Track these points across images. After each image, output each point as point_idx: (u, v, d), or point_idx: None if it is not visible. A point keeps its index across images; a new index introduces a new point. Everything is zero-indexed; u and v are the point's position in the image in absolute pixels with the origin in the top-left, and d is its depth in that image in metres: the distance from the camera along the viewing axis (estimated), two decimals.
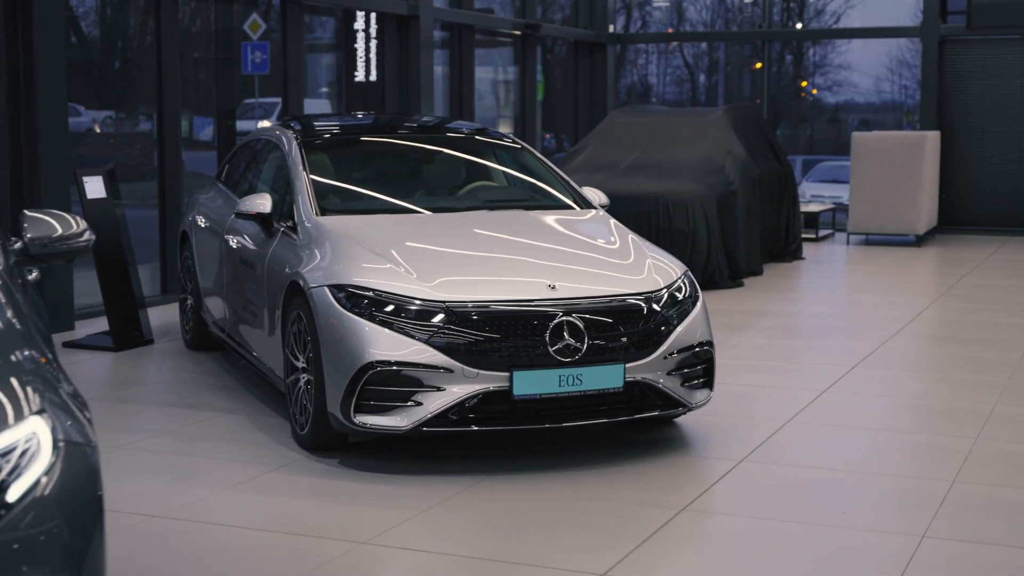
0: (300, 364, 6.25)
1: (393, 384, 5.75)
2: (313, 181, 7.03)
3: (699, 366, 6.28)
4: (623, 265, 6.43)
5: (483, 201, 7.28)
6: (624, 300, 6.08)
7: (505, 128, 17.94)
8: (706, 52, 25.06)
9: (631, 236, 6.90)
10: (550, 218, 7.12)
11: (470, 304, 5.84)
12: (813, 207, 16.86)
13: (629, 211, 11.69)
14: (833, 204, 17.77)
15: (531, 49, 17.34)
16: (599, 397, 5.93)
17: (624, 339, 5.95)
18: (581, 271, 6.30)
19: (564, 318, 5.85)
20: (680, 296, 6.31)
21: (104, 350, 8.80)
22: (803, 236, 15.90)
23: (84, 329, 9.49)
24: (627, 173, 12.47)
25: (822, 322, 10.26)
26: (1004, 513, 5.37)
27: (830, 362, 8.43)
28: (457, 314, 5.79)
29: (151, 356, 8.69)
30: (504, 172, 8.04)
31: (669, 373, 6.10)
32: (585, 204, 7.40)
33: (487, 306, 5.83)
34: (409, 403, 5.75)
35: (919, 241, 15.80)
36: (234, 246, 7.62)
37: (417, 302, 5.84)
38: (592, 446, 6.31)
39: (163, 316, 10.03)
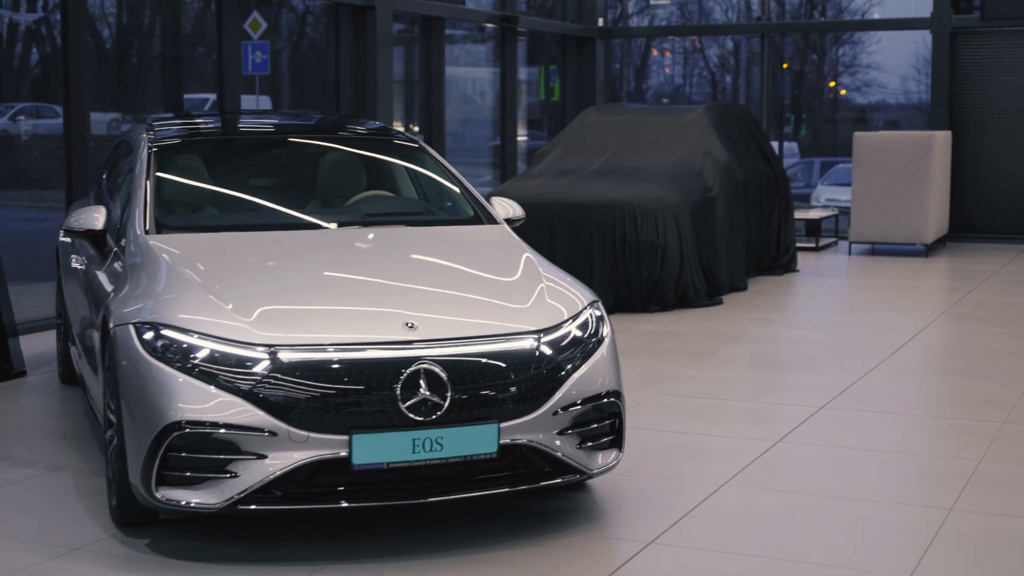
0: (113, 418, 5.07)
1: (203, 450, 4.56)
2: (157, 191, 5.84)
3: (604, 422, 5.05)
4: (508, 293, 5.20)
5: (363, 215, 6.06)
6: (502, 339, 4.85)
7: (494, 130, 16.80)
8: (731, 52, 23.97)
9: (527, 254, 5.66)
10: (434, 235, 5.89)
11: (298, 346, 4.63)
12: (814, 213, 15.54)
13: (591, 221, 10.47)
14: (838, 209, 16.44)
15: (511, 44, 16.10)
16: (469, 464, 4.71)
17: (503, 390, 4.73)
18: (453, 301, 5.08)
19: (421, 365, 4.64)
20: (582, 334, 5.08)
21: None
22: (802, 245, 14.61)
23: None
24: (592, 178, 11.19)
25: (799, 349, 8.98)
26: None
27: (795, 401, 7.16)
28: (282, 360, 4.58)
29: (12, 392, 7.52)
30: (407, 180, 6.86)
31: (561, 432, 4.87)
32: (488, 217, 6.17)
33: (320, 348, 4.62)
34: (224, 474, 4.56)
35: (928, 251, 14.47)
36: (78, 267, 6.47)
37: (232, 344, 4.63)
38: (468, 518, 5.08)
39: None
